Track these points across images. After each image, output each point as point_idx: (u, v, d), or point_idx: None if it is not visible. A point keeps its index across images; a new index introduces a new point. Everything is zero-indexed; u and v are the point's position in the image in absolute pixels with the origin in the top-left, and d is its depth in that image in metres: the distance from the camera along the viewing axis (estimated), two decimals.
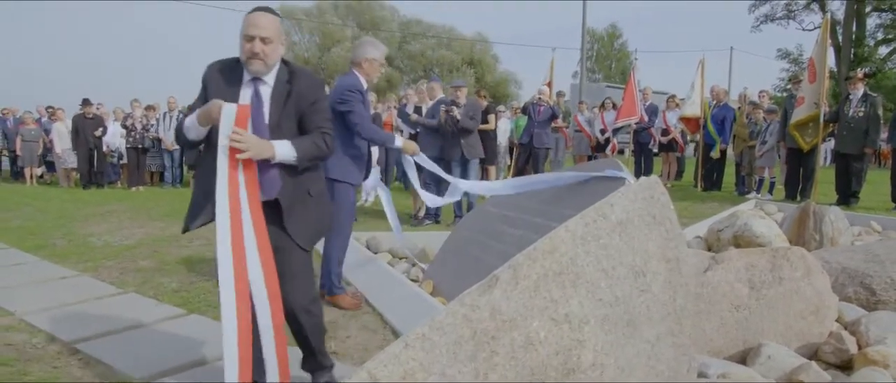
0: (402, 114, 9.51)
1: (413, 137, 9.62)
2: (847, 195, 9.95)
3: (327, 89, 8.02)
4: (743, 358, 3.25)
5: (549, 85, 14.01)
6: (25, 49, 68.02)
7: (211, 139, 2.60)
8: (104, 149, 13.68)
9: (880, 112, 9.99)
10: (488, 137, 9.46)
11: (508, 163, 13.64)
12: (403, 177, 11.33)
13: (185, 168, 14.43)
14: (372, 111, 4.86)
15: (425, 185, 8.41)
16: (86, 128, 13.21)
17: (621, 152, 14.71)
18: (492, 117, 9.63)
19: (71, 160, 13.86)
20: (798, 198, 10.37)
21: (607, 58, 50.02)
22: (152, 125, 13.64)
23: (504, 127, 13.34)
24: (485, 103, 9.62)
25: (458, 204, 8.39)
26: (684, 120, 12.87)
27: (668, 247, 2.35)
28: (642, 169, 13.28)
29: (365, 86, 4.60)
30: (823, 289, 3.52)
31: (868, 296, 3.98)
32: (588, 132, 14.03)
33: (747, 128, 11.95)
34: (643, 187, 2.34)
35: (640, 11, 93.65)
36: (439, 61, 38.53)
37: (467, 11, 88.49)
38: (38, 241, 6.92)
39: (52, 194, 12.37)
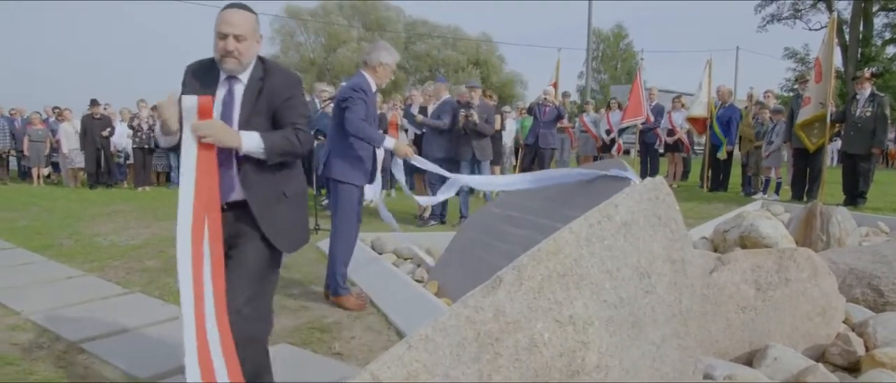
0: (408, 115, 9.51)
1: (418, 138, 9.64)
2: (854, 195, 9.90)
3: (333, 90, 8.03)
4: (749, 360, 3.24)
5: (555, 85, 13.98)
6: (25, 49, 68.27)
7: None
8: (111, 149, 13.74)
9: (888, 112, 9.93)
10: (494, 138, 9.48)
11: (514, 163, 13.62)
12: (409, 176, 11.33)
13: None
14: (378, 112, 4.85)
15: (431, 186, 8.44)
16: (93, 128, 13.27)
17: (627, 153, 14.66)
18: (498, 118, 9.64)
19: (78, 160, 13.92)
20: (805, 198, 10.32)
21: (613, 58, 49.93)
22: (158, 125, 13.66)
23: (510, 127, 13.33)
24: (491, 104, 9.64)
25: (466, 203, 8.39)
26: (692, 120, 12.83)
27: (673, 248, 2.34)
28: (648, 169, 13.25)
29: (374, 88, 4.60)
30: (830, 291, 3.50)
31: (876, 298, 3.95)
32: (593, 132, 14.00)
33: (753, 128, 11.90)
34: (648, 188, 2.33)
35: (646, 11, 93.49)
36: (445, 61, 38.56)
37: (473, 12, 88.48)
38: (44, 241, 6.95)
39: (59, 194, 12.42)
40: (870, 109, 9.73)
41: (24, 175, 15.37)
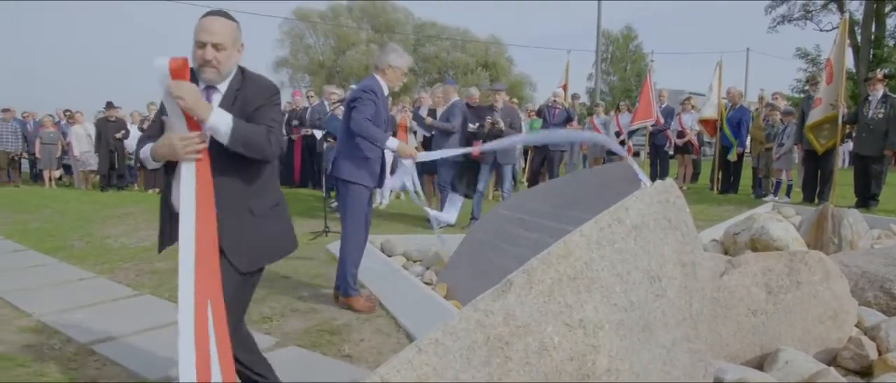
0: (417, 118, 9.53)
1: (427, 140, 9.65)
2: (866, 197, 9.82)
3: (342, 92, 8.03)
4: (760, 364, 3.22)
5: (565, 87, 13.96)
6: (25, 50, 68.60)
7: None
8: (124, 151, 13.83)
9: None
10: None
11: (523, 165, 13.61)
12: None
13: None
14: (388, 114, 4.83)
15: (441, 189, 8.46)
16: (108, 131, 13.38)
17: (636, 154, 14.62)
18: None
19: (90, 162, 14.01)
20: (816, 200, 10.25)
21: (622, 59, 49.76)
22: None
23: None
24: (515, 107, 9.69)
25: (478, 205, 8.41)
26: (702, 122, 12.77)
27: (683, 251, 2.33)
28: (658, 171, 13.20)
29: (385, 91, 4.61)
30: (842, 294, 3.48)
31: (888, 301, 3.92)
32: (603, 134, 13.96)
33: (764, 130, 11.84)
34: (659, 191, 2.32)
35: (656, 12, 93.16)
36: (454, 63, 38.56)
37: (482, 14, 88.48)
38: (56, 243, 6.99)
39: (71, 196, 12.50)
40: (882, 111, 9.65)
41: (36, 177, 15.48)
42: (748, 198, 11.76)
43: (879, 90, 9.80)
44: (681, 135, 13.08)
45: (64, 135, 14.66)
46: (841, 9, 30.61)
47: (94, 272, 5.56)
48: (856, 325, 3.58)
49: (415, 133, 10.81)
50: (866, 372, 3.19)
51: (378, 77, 4.61)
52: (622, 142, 13.40)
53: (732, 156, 12.23)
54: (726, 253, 5.52)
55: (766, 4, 34.44)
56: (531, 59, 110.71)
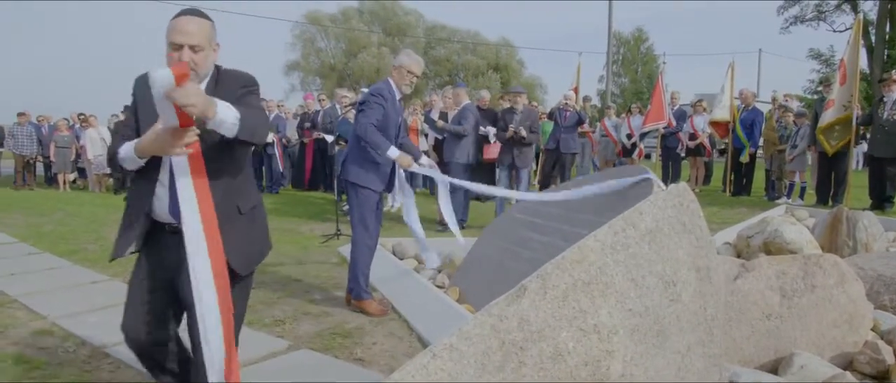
0: (429, 121, 9.54)
1: (439, 143, 9.66)
2: (881, 200, 9.74)
3: (353, 95, 8.02)
4: (774, 368, 3.20)
5: (576, 90, 13.92)
6: (25, 50, 69.06)
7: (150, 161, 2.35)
8: None
9: None
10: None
11: (534, 168, 13.58)
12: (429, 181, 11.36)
13: None
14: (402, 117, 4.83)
15: (453, 193, 8.46)
16: None
17: (648, 157, 14.55)
18: None
19: (105, 165, 14.11)
20: (830, 203, 10.18)
21: (634, 61, 49.57)
22: None
23: None
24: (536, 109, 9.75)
25: (501, 204, 8.47)
26: (714, 124, 12.71)
27: (698, 255, 2.32)
28: (670, 174, 13.15)
29: (397, 94, 4.61)
30: (858, 297, 3.45)
31: None
32: (614, 137, 13.92)
33: (777, 131, 11.77)
34: (673, 195, 2.31)
35: (667, 14, 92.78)
36: (465, 66, 38.56)
37: (492, 16, 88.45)
38: (70, 246, 7.04)
39: (85, 199, 12.59)
40: None
41: (51, 181, 15.60)
42: (761, 200, 11.69)
43: (894, 91, 9.72)
44: (692, 137, 13.03)
45: (78, 138, 14.77)
46: (854, 9, 30.33)
47: (108, 275, 5.60)
48: (871, 329, 3.55)
49: (426, 136, 10.83)
50: (883, 376, 3.16)
51: (389, 79, 4.63)
52: (634, 145, 13.38)
53: (745, 158, 12.17)
54: (739, 256, 5.50)
55: (779, 5, 34.22)
56: (542, 62, 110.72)
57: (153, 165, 2.36)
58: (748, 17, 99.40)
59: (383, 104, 4.50)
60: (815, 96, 20.29)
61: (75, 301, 4.75)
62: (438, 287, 4.95)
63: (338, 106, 11.33)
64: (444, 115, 9.38)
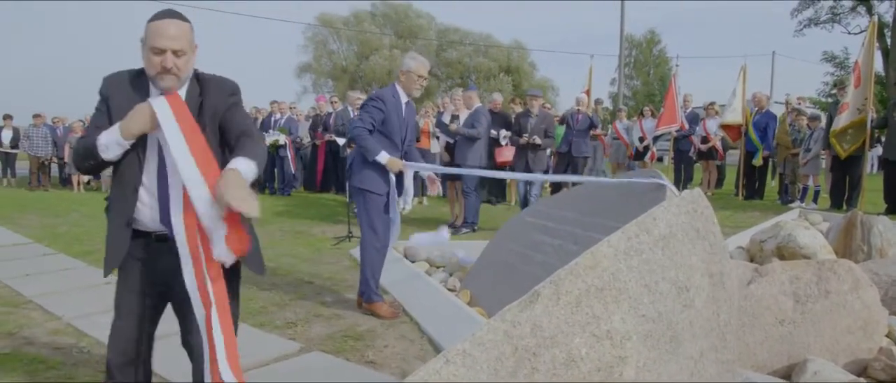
0: (440, 124, 9.56)
1: (451, 146, 9.67)
2: None
3: (364, 97, 7.95)
4: (787, 374, 3.18)
5: (588, 92, 13.88)
6: (25, 50, 69.49)
7: (126, 157, 2.29)
8: None
9: None
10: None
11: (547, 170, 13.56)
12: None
13: None
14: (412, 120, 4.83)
15: (465, 195, 8.48)
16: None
17: (660, 160, 14.50)
18: None
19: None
20: (844, 207, 10.11)
21: (646, 64, 49.36)
22: None
23: None
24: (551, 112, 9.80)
25: (524, 199, 8.54)
26: (725, 127, 12.63)
27: (711, 261, 2.31)
28: (682, 177, 13.10)
29: (403, 98, 4.62)
30: (872, 303, 3.43)
31: None
32: (626, 140, 13.87)
33: (790, 135, 11.70)
34: (686, 200, 2.31)
35: (679, 16, 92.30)
36: (476, 68, 38.55)
37: (504, 18, 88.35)
38: (84, 247, 7.10)
39: (99, 200, 12.65)
40: None
41: (65, 182, 15.74)
42: (774, 204, 11.63)
43: None
44: (705, 140, 12.97)
45: None
46: (869, 11, 30.09)
47: None
48: (886, 335, 3.53)
49: (437, 138, 10.83)
50: None
51: (396, 84, 4.64)
52: (646, 147, 13.33)
53: (757, 161, 12.10)
54: (752, 260, 5.47)
55: (793, 7, 33.97)
56: (554, 64, 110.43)
57: (135, 168, 2.31)
58: (762, 18, 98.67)
59: (382, 108, 4.51)
60: (829, 99, 20.14)
61: (90, 301, 4.79)
62: (450, 290, 4.95)
63: (350, 108, 11.37)
64: (455, 118, 9.38)
